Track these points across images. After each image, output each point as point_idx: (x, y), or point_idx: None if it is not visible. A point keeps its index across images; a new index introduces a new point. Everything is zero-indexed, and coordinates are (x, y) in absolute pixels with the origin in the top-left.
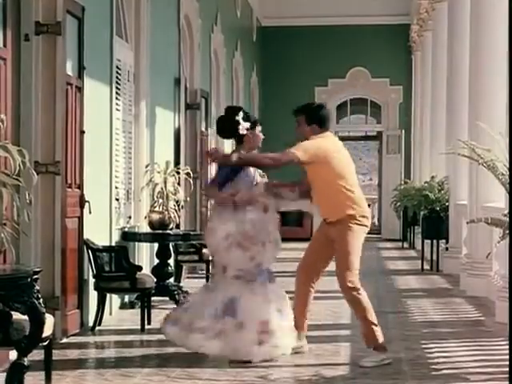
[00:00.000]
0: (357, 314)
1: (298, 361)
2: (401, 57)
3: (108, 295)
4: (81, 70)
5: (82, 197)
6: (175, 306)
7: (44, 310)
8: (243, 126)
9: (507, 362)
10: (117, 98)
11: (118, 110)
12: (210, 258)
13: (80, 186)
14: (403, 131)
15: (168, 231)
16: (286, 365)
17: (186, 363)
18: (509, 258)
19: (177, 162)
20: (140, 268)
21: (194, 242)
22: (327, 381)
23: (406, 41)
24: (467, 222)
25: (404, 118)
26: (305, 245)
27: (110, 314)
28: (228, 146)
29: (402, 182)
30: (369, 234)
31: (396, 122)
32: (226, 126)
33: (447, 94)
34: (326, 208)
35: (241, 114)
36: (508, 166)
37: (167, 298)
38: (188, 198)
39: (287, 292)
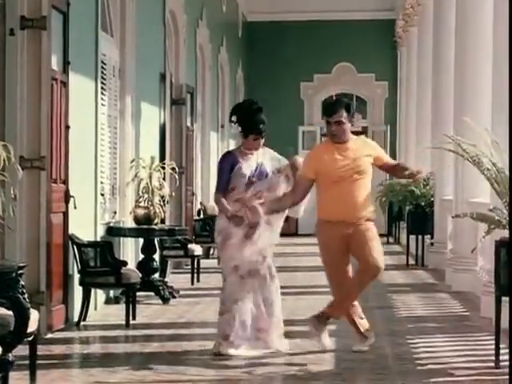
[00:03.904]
0: (358, 293)
1: (283, 357)
2: (386, 52)
3: (93, 290)
4: (66, 64)
5: (67, 192)
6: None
7: (29, 306)
8: (234, 129)
9: (492, 357)
10: (102, 93)
11: (103, 105)
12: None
13: (65, 181)
14: (388, 126)
15: (153, 226)
16: (272, 361)
17: (170, 359)
18: (509, 256)
19: (162, 157)
20: (125, 263)
21: (179, 238)
22: (313, 376)
23: (392, 36)
24: (452, 217)
25: (389, 113)
26: (290, 240)
27: (95, 309)
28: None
29: (387, 178)
30: None
31: (381, 118)
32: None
33: (432, 89)
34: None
35: (233, 116)
36: (493, 161)
37: (152, 294)
38: (173, 193)
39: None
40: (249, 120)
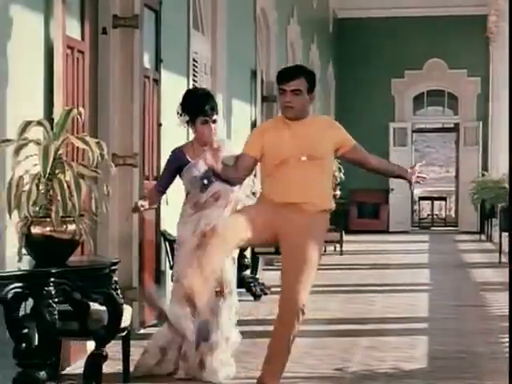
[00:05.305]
0: (283, 342)
1: (375, 354)
2: (478, 48)
3: None
4: (158, 62)
5: None
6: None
7: (122, 301)
8: (181, 121)
9: None
10: None
11: None
12: None
13: (157, 178)
14: (481, 123)
15: None
16: (363, 358)
17: (262, 355)
18: (509, 257)
19: None
20: None
21: None
22: (405, 374)
23: (484, 31)
24: None
25: (481, 109)
26: (381, 237)
27: None
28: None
29: (480, 174)
30: (446, 226)
31: (473, 114)
32: None
33: None
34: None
35: (180, 106)
36: None
37: (244, 290)
38: None
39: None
40: (191, 104)
